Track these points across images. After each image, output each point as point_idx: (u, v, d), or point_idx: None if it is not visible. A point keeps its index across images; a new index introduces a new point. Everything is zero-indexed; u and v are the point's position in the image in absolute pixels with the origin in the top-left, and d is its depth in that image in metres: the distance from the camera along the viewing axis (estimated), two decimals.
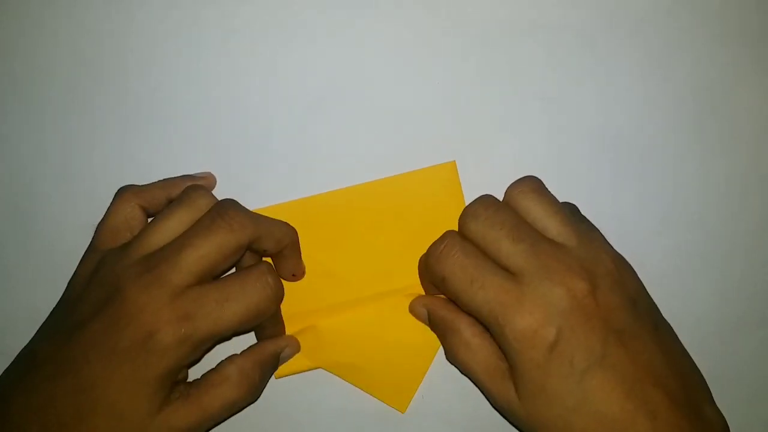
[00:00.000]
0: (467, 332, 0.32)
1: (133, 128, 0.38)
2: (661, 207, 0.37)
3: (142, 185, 0.36)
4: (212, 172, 0.37)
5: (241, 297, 0.32)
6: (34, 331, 0.37)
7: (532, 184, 0.32)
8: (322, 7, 0.38)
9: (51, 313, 0.34)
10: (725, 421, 0.30)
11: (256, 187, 0.37)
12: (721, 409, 0.30)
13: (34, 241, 0.38)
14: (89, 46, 0.38)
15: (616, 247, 0.32)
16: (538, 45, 0.38)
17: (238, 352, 0.34)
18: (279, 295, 0.33)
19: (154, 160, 0.38)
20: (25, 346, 0.33)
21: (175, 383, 0.32)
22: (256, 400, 0.34)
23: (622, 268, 0.31)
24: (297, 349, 0.36)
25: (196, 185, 0.35)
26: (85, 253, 0.34)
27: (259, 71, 0.38)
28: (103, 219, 0.35)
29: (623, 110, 0.37)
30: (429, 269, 0.32)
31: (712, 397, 0.31)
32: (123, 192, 0.35)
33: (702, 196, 0.37)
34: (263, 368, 0.34)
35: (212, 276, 0.32)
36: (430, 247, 0.32)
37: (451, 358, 0.33)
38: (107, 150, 0.38)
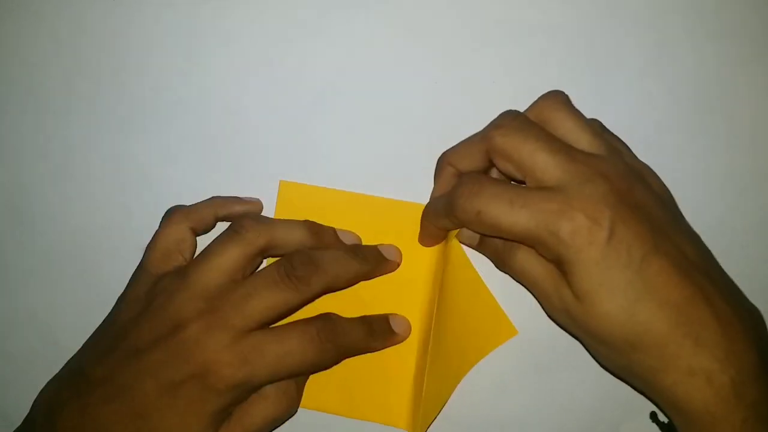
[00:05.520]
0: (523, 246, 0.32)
1: (132, 128, 0.38)
2: None
3: (189, 206, 0.36)
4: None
5: (300, 355, 0.32)
6: (33, 332, 0.37)
7: (561, 98, 0.32)
8: (322, 6, 0.38)
9: (100, 330, 0.34)
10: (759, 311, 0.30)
11: (256, 187, 0.37)
12: None
13: (32, 242, 0.38)
14: (88, 46, 0.38)
15: None
16: (538, 45, 0.38)
17: None
18: (339, 352, 0.34)
19: (153, 160, 0.38)
20: (71, 360, 0.33)
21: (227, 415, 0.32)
22: (295, 413, 0.35)
23: (651, 175, 0.32)
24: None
25: (247, 216, 0.35)
26: (135, 272, 0.34)
27: (259, 71, 0.38)
28: (153, 240, 0.34)
29: (621, 108, 0.37)
30: (457, 209, 0.31)
31: None
32: (172, 214, 0.35)
33: (700, 193, 0.37)
34: (298, 382, 0.34)
35: (273, 323, 0.33)
36: (453, 189, 0.32)
37: (508, 267, 0.33)
38: (106, 150, 0.38)
